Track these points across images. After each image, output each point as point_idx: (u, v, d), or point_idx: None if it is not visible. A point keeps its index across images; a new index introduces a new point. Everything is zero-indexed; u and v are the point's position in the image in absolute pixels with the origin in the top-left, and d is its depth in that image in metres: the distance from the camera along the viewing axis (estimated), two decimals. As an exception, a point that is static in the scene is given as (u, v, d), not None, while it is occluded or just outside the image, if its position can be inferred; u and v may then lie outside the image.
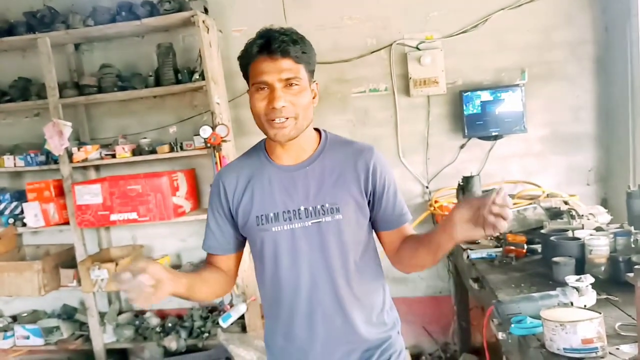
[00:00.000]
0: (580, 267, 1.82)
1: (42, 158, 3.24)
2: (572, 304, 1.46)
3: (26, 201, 3.24)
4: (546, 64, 3.02)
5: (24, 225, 3.25)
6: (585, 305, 1.44)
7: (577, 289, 1.48)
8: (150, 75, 3.08)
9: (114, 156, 3.13)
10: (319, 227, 1.30)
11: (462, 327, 3.06)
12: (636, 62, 2.63)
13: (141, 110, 3.39)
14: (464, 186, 2.59)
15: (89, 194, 3.00)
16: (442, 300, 3.28)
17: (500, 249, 2.22)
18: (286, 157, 1.34)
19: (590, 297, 1.51)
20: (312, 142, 1.36)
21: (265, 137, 1.33)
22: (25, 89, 3.27)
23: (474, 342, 3.09)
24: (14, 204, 3.35)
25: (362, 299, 1.35)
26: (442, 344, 3.29)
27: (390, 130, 3.20)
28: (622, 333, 1.37)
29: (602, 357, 1.23)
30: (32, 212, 3.18)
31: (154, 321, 3.34)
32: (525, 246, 2.16)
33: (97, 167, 3.45)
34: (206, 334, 3.17)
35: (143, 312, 3.45)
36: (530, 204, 2.58)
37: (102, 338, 3.27)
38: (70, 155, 3.13)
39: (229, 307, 3.08)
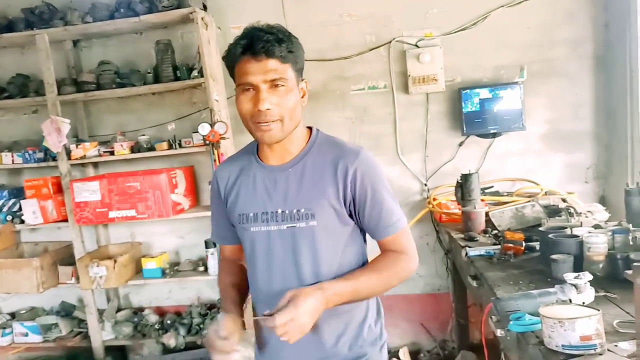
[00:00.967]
0: (579, 265, 1.82)
1: (41, 155, 3.23)
2: (570, 301, 1.46)
3: (24, 198, 3.24)
4: (545, 61, 3.02)
5: (22, 222, 3.25)
6: (583, 303, 1.44)
7: (575, 286, 1.48)
8: (149, 72, 3.08)
9: (112, 153, 3.13)
10: (292, 232, 1.27)
11: (460, 324, 3.07)
12: (636, 60, 2.63)
13: (140, 108, 3.38)
14: (463, 184, 2.59)
15: (88, 191, 2.99)
16: (441, 298, 3.28)
17: (499, 247, 2.22)
18: (272, 157, 1.31)
19: (589, 294, 1.51)
20: (299, 143, 1.31)
21: None
22: (24, 86, 3.26)
23: (472, 339, 3.10)
24: (12, 201, 3.34)
25: (337, 310, 1.25)
26: (441, 341, 3.30)
27: (389, 128, 3.20)
28: (621, 330, 1.38)
29: (601, 354, 1.22)
30: (30, 209, 3.17)
31: (153, 318, 3.34)
32: (524, 243, 2.16)
33: (95, 164, 3.45)
34: (205, 331, 3.16)
35: (142, 309, 3.45)
36: (529, 201, 2.59)
37: (101, 335, 3.27)
38: (68, 152, 3.12)
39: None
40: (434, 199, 3.05)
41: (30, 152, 3.24)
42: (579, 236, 1.92)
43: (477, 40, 3.05)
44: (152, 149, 3.12)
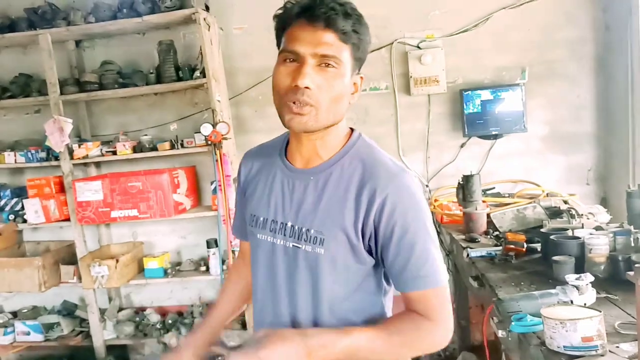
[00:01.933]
0: (580, 266, 1.83)
1: (43, 154, 3.24)
2: (572, 302, 1.46)
3: (27, 197, 3.24)
4: (547, 63, 3.03)
5: (25, 221, 3.25)
6: (585, 304, 1.45)
7: (577, 287, 1.49)
8: (151, 73, 3.08)
9: (114, 153, 3.13)
10: (296, 253, 1.04)
11: (461, 325, 3.07)
12: (637, 61, 2.63)
13: (142, 108, 3.39)
14: (464, 185, 2.59)
15: (90, 191, 3.00)
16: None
17: (500, 248, 2.22)
18: (298, 157, 1.09)
19: (590, 295, 1.51)
20: (332, 147, 1.07)
21: None
22: (26, 86, 3.26)
23: (473, 340, 3.10)
24: (15, 200, 3.35)
25: None
26: (441, 341, 3.30)
27: (391, 129, 3.20)
28: (622, 331, 1.38)
29: (602, 355, 1.23)
30: (32, 208, 3.18)
31: (154, 318, 3.34)
32: (525, 245, 2.16)
33: (97, 164, 3.45)
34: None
35: (143, 308, 3.46)
36: (530, 203, 2.59)
37: (103, 334, 3.28)
38: (71, 151, 3.13)
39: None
40: (436, 200, 3.06)
41: (33, 151, 3.24)
42: (580, 238, 1.93)
43: (479, 41, 3.06)
44: (154, 149, 3.13)
